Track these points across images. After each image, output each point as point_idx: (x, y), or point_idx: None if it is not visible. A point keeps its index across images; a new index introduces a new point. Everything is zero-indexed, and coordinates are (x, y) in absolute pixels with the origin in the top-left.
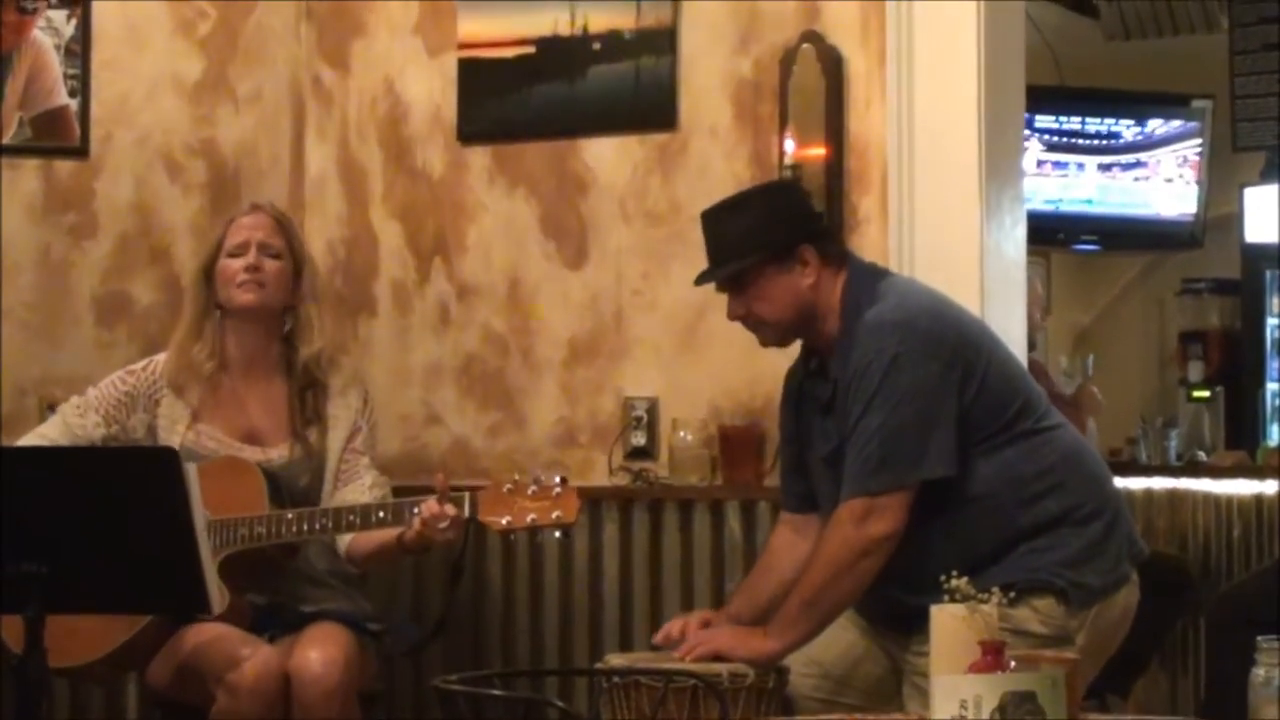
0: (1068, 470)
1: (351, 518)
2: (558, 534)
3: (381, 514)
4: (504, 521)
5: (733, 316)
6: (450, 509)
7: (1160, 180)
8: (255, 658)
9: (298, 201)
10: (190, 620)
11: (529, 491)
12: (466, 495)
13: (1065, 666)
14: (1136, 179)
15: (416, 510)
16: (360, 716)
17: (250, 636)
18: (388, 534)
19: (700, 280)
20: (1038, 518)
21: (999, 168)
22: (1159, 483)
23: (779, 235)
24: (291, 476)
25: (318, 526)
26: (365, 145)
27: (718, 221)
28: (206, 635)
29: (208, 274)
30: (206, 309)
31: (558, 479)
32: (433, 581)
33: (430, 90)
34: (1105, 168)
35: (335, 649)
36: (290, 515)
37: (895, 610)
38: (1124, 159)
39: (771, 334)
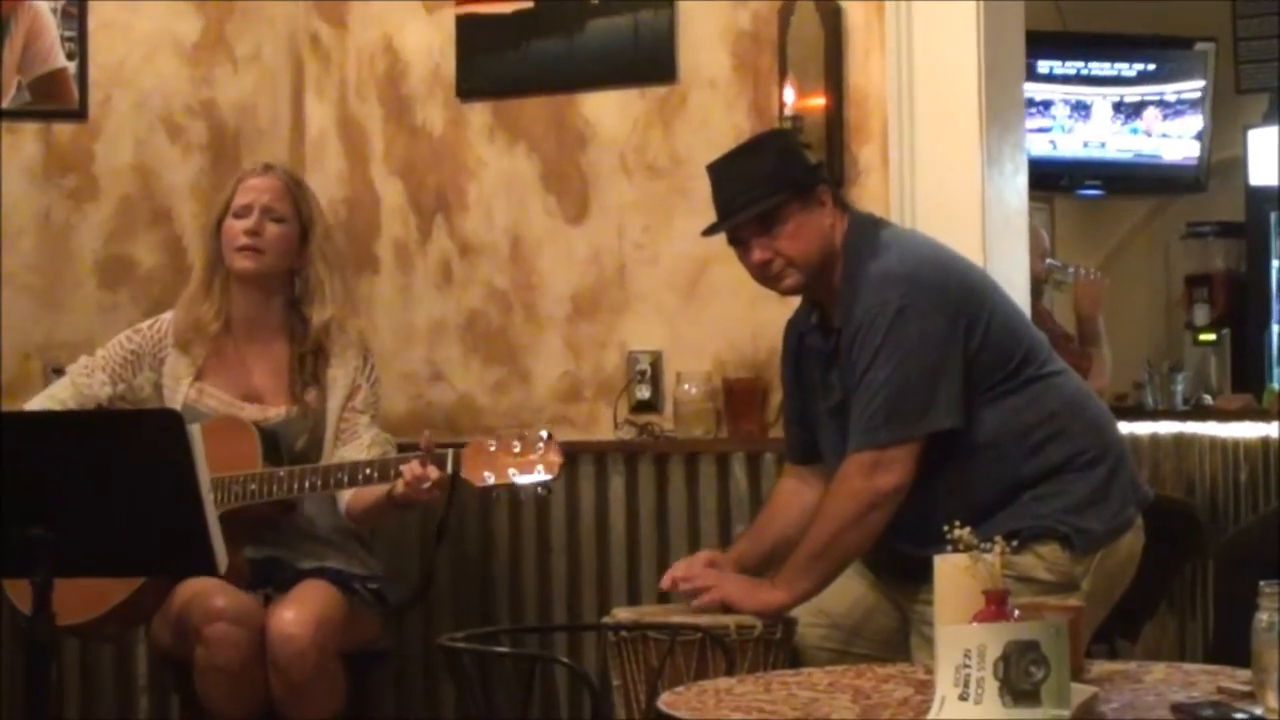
0: (1070, 416)
1: (339, 475)
2: (540, 491)
3: (368, 471)
4: (486, 478)
5: (760, 260)
6: (433, 470)
7: (1164, 124)
8: (228, 609)
9: (298, 161)
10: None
11: (514, 449)
12: (450, 453)
13: (1069, 615)
14: (1140, 123)
15: (403, 468)
16: (341, 675)
17: (228, 587)
18: (380, 491)
19: (722, 225)
20: (1041, 465)
21: (999, 115)
22: (1165, 427)
23: (802, 173)
24: (289, 436)
25: (308, 484)
26: (365, 103)
27: (732, 167)
28: (191, 590)
29: (218, 230)
30: (215, 265)
31: (543, 434)
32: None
33: (429, 47)
34: (1108, 112)
35: (311, 608)
36: (281, 473)
37: (902, 562)
38: (1127, 102)
39: (797, 276)
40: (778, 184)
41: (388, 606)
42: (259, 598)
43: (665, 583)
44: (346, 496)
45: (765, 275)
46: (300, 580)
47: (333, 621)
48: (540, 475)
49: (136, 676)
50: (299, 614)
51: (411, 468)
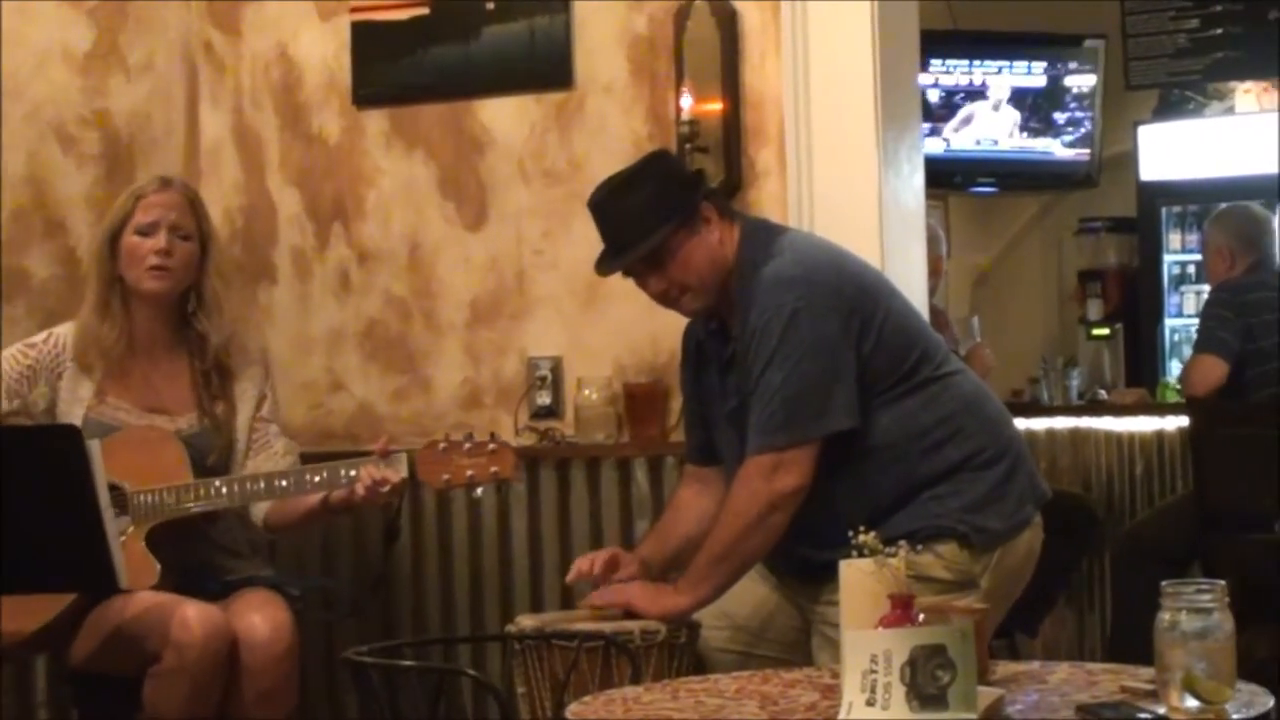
0: (968, 416)
1: (284, 483)
2: (496, 489)
3: (316, 479)
4: (444, 479)
5: (655, 293)
6: (392, 474)
7: (1055, 121)
8: (202, 615)
9: (193, 170)
10: (109, 595)
11: (465, 449)
12: (405, 456)
13: (974, 617)
14: (1030, 119)
15: (354, 473)
16: (298, 680)
17: (188, 598)
18: (309, 499)
19: (613, 267)
20: (939, 465)
21: (895, 116)
22: (1061, 422)
23: (682, 199)
24: (200, 450)
25: (250, 491)
26: (260, 111)
27: (612, 205)
28: (142, 603)
29: (113, 246)
30: (111, 283)
31: (491, 435)
32: (342, 544)
33: (324, 54)
34: (1000, 110)
35: (279, 612)
36: (218, 483)
37: (804, 565)
38: (1018, 100)
39: (697, 300)
40: (659, 219)
41: (334, 611)
42: None
43: (571, 577)
44: (265, 506)
45: (665, 303)
46: (227, 591)
47: (293, 626)
48: (496, 474)
49: (35, 692)
50: (270, 620)
51: (370, 471)
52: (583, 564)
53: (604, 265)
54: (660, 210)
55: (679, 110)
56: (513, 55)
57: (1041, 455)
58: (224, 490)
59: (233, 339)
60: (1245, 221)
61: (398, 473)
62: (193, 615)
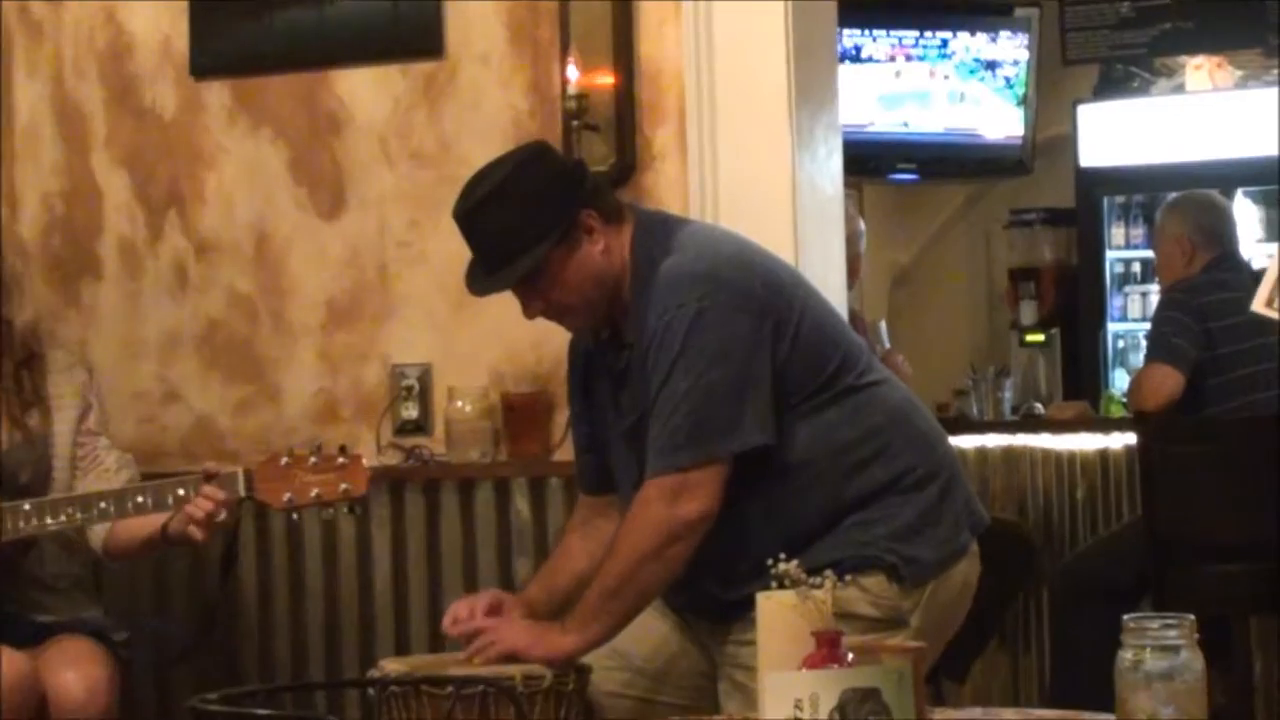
0: (895, 431)
1: (104, 505)
2: (347, 509)
3: (140, 499)
4: (285, 498)
5: (532, 315)
6: (218, 493)
7: (983, 99)
8: (6, 664)
9: (7, 150)
10: None
11: (310, 463)
12: (240, 472)
13: (910, 657)
14: (956, 98)
15: (182, 493)
16: None
17: None
18: (151, 524)
19: (484, 291)
20: (864, 487)
21: (811, 91)
22: (993, 439)
23: (556, 214)
24: (9, 467)
25: (63, 518)
26: (84, 83)
27: (480, 217)
28: None
29: None
30: None
31: (340, 448)
32: (176, 575)
33: (157, 18)
34: (922, 86)
35: (96, 669)
36: (27, 505)
37: (710, 603)
38: (943, 75)
39: (580, 318)
40: (533, 237)
41: (164, 656)
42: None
43: (446, 624)
44: (102, 533)
45: (547, 318)
46: (42, 636)
47: (113, 682)
48: (346, 492)
49: None
50: (85, 678)
51: (209, 493)
52: (460, 609)
53: (474, 285)
54: (532, 229)
55: (564, 83)
56: (374, 20)
57: (971, 477)
58: (34, 514)
59: (41, 325)
60: (1206, 211)
61: (229, 491)
62: None
